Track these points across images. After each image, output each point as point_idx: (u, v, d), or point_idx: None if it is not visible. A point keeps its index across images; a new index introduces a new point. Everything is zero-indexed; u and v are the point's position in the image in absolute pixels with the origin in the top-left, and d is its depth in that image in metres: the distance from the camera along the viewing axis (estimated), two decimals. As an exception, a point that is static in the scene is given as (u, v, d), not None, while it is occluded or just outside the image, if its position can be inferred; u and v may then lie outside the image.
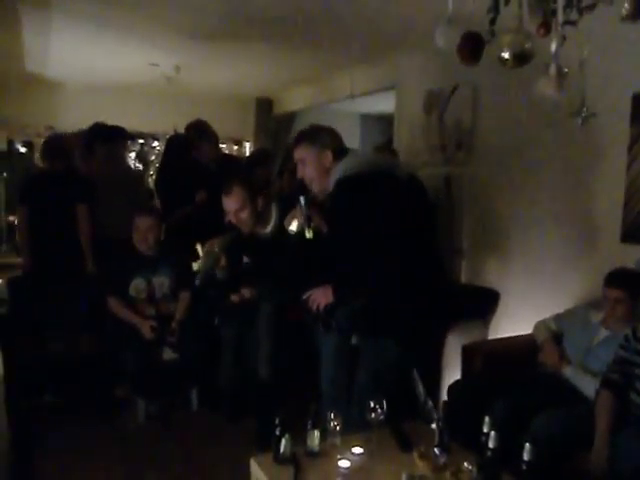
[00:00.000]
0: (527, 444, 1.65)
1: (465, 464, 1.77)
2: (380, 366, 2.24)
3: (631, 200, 2.58)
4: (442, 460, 1.86)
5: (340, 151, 2.20)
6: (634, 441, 1.91)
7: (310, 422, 1.96)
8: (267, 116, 6.49)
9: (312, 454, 1.95)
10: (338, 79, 5.02)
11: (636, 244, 2.55)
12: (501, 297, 3.28)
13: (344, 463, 1.87)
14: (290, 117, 6.43)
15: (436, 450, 1.88)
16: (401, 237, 2.08)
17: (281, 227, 2.55)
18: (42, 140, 4.08)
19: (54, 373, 3.20)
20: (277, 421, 1.93)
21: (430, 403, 1.97)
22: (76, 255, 3.54)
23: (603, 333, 2.35)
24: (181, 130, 5.35)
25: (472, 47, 1.47)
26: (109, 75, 5.10)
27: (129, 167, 4.36)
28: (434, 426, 1.89)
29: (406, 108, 4.24)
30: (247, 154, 6.29)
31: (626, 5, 1.23)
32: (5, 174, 5.44)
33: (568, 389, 2.32)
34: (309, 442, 1.96)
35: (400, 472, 1.80)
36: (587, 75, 1.47)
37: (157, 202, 4.22)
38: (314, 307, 2.21)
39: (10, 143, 5.46)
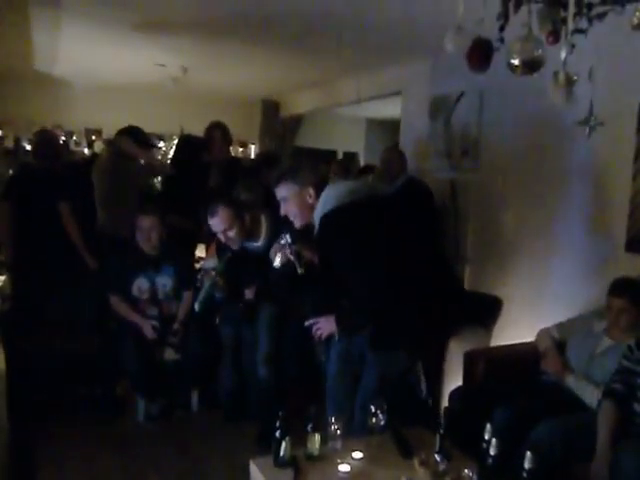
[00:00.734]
0: (528, 452, 1.65)
1: (465, 471, 1.76)
2: (390, 374, 2.25)
3: (636, 210, 2.57)
4: (442, 467, 1.86)
5: (322, 186, 2.21)
6: (636, 452, 1.90)
7: (310, 425, 1.95)
8: (273, 118, 6.50)
9: (312, 458, 1.95)
10: (345, 83, 5.03)
11: (641, 254, 2.54)
12: (504, 304, 3.27)
13: (344, 467, 1.86)
14: (296, 120, 6.45)
15: (437, 456, 1.87)
16: (393, 255, 2.09)
17: (274, 237, 2.57)
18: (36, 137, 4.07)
19: (55, 371, 3.20)
20: (277, 424, 1.92)
21: (430, 400, 1.98)
22: (62, 251, 3.57)
23: (606, 342, 2.34)
24: (187, 130, 5.39)
25: (481, 53, 1.47)
26: (116, 75, 5.12)
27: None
28: (440, 431, 1.89)
29: (412, 113, 4.24)
30: (252, 156, 6.30)
31: (638, 14, 1.23)
32: (11, 171, 5.45)
33: (570, 398, 2.31)
34: (309, 446, 1.95)
35: (400, 478, 1.79)
36: (595, 84, 1.47)
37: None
38: (317, 336, 2.25)
39: (17, 141, 5.48)
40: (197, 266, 3.64)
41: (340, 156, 7.45)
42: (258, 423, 2.93)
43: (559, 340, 2.54)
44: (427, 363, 2.72)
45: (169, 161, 4.98)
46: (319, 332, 2.23)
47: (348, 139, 7.49)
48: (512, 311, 3.22)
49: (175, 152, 4.44)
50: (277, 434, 1.91)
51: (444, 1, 1.68)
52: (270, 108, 6.52)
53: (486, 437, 1.79)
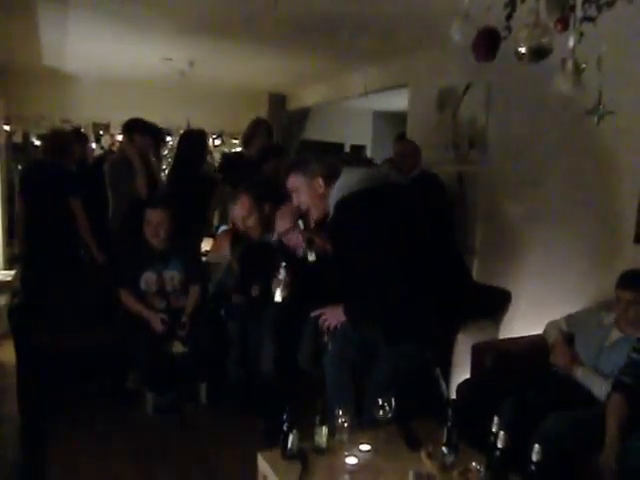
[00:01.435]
0: (536, 445, 1.64)
1: (473, 464, 1.76)
2: (401, 367, 2.24)
3: (646, 201, 2.54)
4: (450, 459, 1.86)
5: (331, 176, 2.21)
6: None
7: (318, 418, 1.96)
8: (280, 112, 6.49)
9: (319, 450, 1.95)
10: (351, 76, 5.01)
11: (651, 246, 2.51)
12: (513, 297, 3.25)
13: (351, 460, 1.86)
14: (303, 113, 6.44)
15: (444, 449, 1.87)
16: (406, 245, 2.07)
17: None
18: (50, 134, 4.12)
19: (65, 364, 3.22)
20: (285, 417, 1.93)
21: (451, 403, 1.97)
22: (72, 245, 3.61)
23: (615, 335, 2.32)
24: (194, 124, 5.40)
25: (488, 43, 1.45)
26: (124, 70, 5.13)
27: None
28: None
29: (419, 106, 4.21)
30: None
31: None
32: (20, 166, 5.50)
33: (578, 390, 2.30)
34: (317, 438, 1.96)
35: (407, 470, 1.79)
36: (604, 73, 1.45)
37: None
38: (325, 326, 2.26)
39: (25, 136, 5.52)
40: (204, 260, 3.66)
41: (347, 149, 7.43)
42: (263, 420, 2.93)
43: (568, 333, 2.52)
44: (436, 356, 2.70)
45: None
46: (327, 322, 2.23)
47: (355, 132, 7.46)
48: (520, 304, 3.20)
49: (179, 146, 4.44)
50: (285, 427, 1.92)
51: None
52: (277, 101, 6.51)
53: (494, 430, 1.78)
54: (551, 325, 2.61)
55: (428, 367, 2.50)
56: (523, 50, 1.32)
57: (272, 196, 2.91)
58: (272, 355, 2.94)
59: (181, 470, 2.65)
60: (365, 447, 1.95)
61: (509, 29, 1.43)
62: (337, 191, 2.14)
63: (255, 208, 2.83)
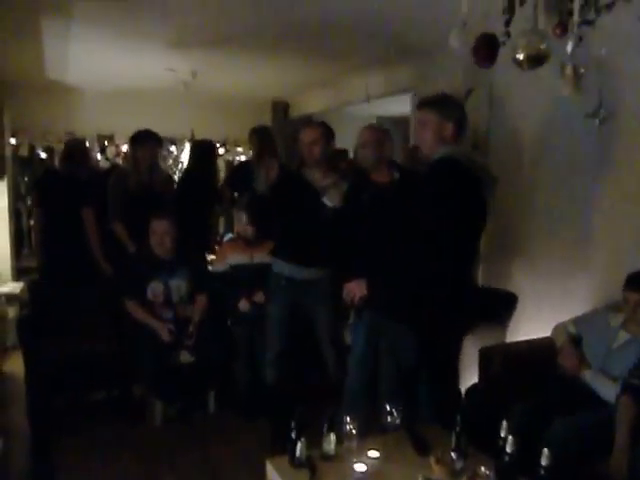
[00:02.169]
0: (545, 449, 1.63)
1: (482, 469, 1.75)
2: (405, 361, 2.26)
3: (652, 202, 2.53)
4: (459, 465, 1.85)
5: (462, 128, 2.23)
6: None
7: (326, 425, 1.96)
8: (283, 119, 6.51)
9: (328, 458, 1.95)
10: (354, 82, 5.02)
11: (657, 247, 2.50)
12: (519, 300, 3.24)
13: (360, 467, 1.86)
14: (307, 120, 6.45)
15: (453, 454, 1.87)
16: (461, 236, 2.12)
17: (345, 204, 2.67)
18: (63, 145, 4.18)
19: (73, 374, 3.24)
20: (293, 424, 1.93)
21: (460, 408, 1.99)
22: (87, 256, 3.64)
23: (623, 337, 2.31)
24: (198, 134, 5.44)
25: (487, 48, 1.46)
26: (127, 81, 5.17)
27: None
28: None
29: (421, 110, 4.21)
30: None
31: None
32: (26, 179, 5.54)
33: (587, 393, 2.28)
34: (325, 445, 1.96)
35: (416, 476, 1.79)
36: (605, 76, 1.45)
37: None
38: (349, 299, 2.29)
39: (31, 149, 5.56)
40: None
41: (351, 155, 7.44)
42: (272, 426, 2.94)
43: (575, 335, 2.51)
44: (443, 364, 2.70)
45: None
46: (350, 295, 2.26)
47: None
48: (527, 306, 3.19)
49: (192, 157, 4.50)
50: (293, 435, 1.92)
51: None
52: (280, 109, 6.53)
53: (502, 434, 1.78)
54: (558, 328, 2.60)
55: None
56: (521, 57, 1.33)
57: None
58: (276, 359, 2.97)
59: (189, 478, 2.65)
60: (374, 454, 1.95)
61: (508, 34, 1.44)
62: (450, 149, 2.14)
63: (323, 137, 2.85)
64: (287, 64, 4.55)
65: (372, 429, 2.15)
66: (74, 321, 3.43)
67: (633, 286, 2.26)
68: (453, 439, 1.89)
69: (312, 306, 2.97)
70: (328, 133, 2.89)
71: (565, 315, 2.65)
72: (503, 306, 3.27)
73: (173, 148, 5.93)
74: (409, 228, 2.13)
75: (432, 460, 1.89)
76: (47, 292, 3.57)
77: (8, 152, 5.07)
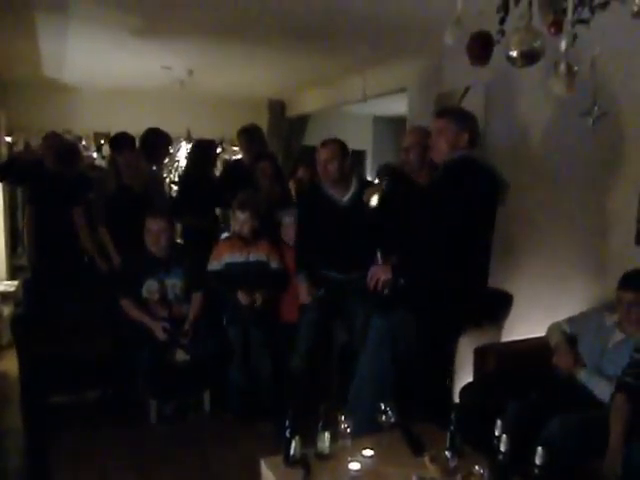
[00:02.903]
0: (539, 448, 1.63)
1: (476, 467, 1.75)
2: (400, 336, 2.31)
3: (646, 202, 2.53)
4: (453, 463, 1.85)
5: (474, 139, 2.34)
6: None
7: (320, 424, 1.96)
8: (280, 118, 6.51)
9: (322, 456, 1.95)
10: (351, 81, 5.02)
11: (652, 246, 2.50)
12: (514, 300, 3.24)
13: (354, 465, 1.86)
14: (303, 119, 6.45)
15: (447, 453, 1.87)
16: (481, 232, 2.24)
17: (356, 200, 2.77)
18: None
19: (68, 373, 3.23)
20: (287, 423, 1.93)
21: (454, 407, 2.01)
22: (79, 255, 3.64)
23: (618, 336, 2.31)
24: (195, 132, 5.43)
25: (481, 47, 1.46)
26: (123, 79, 5.16)
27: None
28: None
29: (418, 110, 4.22)
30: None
31: (637, 1, 1.21)
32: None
33: (582, 392, 2.29)
34: (319, 444, 1.95)
35: (411, 475, 1.79)
36: (601, 74, 1.45)
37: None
38: (372, 283, 2.29)
39: (27, 146, 5.54)
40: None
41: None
42: (274, 424, 2.91)
43: (570, 334, 2.52)
44: (438, 363, 2.72)
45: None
46: (375, 279, 2.27)
47: (355, 137, 7.44)
48: (522, 306, 3.19)
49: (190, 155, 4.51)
50: (287, 433, 1.92)
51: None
52: (276, 108, 6.53)
53: (497, 433, 1.78)
54: (553, 327, 2.61)
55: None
56: (514, 54, 1.33)
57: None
58: (304, 350, 3.01)
59: (184, 477, 2.65)
60: (368, 452, 1.95)
61: (502, 33, 1.44)
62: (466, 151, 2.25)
63: (340, 155, 2.87)
64: (284, 63, 4.55)
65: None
66: (69, 319, 3.42)
67: (627, 286, 2.27)
68: (447, 438, 1.89)
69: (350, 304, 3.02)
70: (343, 150, 2.91)
71: (560, 315, 2.65)
72: (499, 306, 3.28)
73: (170, 147, 5.90)
74: (436, 223, 2.21)
75: (426, 459, 1.89)
76: (42, 290, 3.56)
77: (4, 150, 5.06)
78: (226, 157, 6.53)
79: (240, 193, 3.34)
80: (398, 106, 5.08)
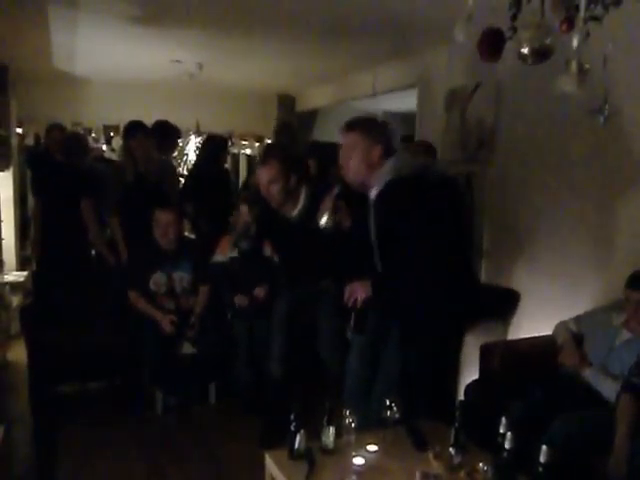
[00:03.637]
0: (544, 446, 1.63)
1: (480, 464, 1.75)
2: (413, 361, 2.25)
3: (657, 201, 2.51)
4: (457, 460, 1.85)
5: (390, 149, 2.15)
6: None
7: (325, 419, 1.96)
8: (289, 113, 6.50)
9: (327, 451, 1.96)
10: (360, 77, 5.00)
11: (661, 246, 2.49)
12: (522, 297, 3.23)
13: (359, 460, 1.87)
14: (312, 114, 6.44)
15: (451, 450, 1.87)
16: (437, 239, 2.09)
17: (308, 212, 2.60)
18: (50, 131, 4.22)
19: (76, 363, 3.26)
20: (292, 417, 1.94)
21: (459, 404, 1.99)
22: (85, 246, 3.67)
23: (625, 335, 2.30)
24: (204, 126, 5.44)
25: (492, 43, 1.44)
26: (133, 72, 5.17)
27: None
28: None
29: (428, 106, 4.20)
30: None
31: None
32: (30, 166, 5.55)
33: (587, 391, 2.28)
34: (324, 439, 1.96)
35: (415, 471, 1.79)
36: (613, 72, 1.44)
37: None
38: (351, 301, 2.18)
39: (37, 138, 5.57)
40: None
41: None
42: (264, 420, 2.94)
43: (577, 333, 2.51)
44: (440, 360, 2.71)
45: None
46: (354, 296, 2.16)
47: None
48: (529, 304, 3.18)
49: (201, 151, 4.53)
50: (292, 427, 1.92)
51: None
52: (286, 103, 6.52)
53: (501, 430, 1.78)
54: (560, 326, 2.60)
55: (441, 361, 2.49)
56: (526, 51, 1.31)
57: (300, 170, 2.85)
58: (280, 353, 2.94)
59: (189, 469, 2.68)
60: (372, 447, 1.95)
61: (514, 30, 1.43)
62: (390, 170, 2.09)
63: (282, 175, 2.66)
64: (294, 57, 4.54)
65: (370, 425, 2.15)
66: (77, 310, 3.45)
67: (635, 285, 2.26)
68: (452, 434, 1.90)
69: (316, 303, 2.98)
70: (286, 168, 2.68)
71: (567, 313, 2.64)
72: (505, 303, 3.27)
73: (179, 139, 5.91)
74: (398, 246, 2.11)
75: (430, 455, 1.90)
76: (50, 281, 3.59)
77: (14, 142, 5.09)
78: (235, 151, 6.55)
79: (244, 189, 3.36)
80: (408, 102, 5.06)
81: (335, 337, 2.93)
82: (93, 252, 4.06)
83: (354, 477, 1.76)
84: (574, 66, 1.29)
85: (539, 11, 1.32)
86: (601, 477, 1.95)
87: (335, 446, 1.96)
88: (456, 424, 1.90)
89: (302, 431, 1.92)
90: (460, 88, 3.73)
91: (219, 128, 5.03)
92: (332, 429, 1.96)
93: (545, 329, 2.74)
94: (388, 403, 2.05)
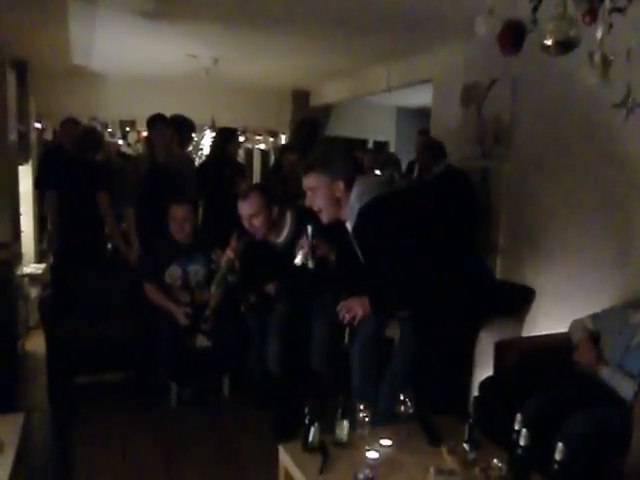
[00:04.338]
0: (559, 443, 1.62)
1: (495, 461, 1.75)
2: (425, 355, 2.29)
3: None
4: (471, 456, 1.85)
5: (351, 180, 2.19)
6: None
7: (339, 412, 1.97)
8: (304, 108, 6.50)
9: (340, 444, 1.96)
10: (375, 72, 4.99)
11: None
12: (537, 295, 3.21)
13: (372, 454, 1.87)
14: (326, 109, 6.43)
15: (465, 445, 1.87)
16: (429, 241, 2.13)
17: (295, 236, 2.60)
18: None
19: (93, 354, 3.30)
20: (306, 410, 1.95)
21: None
22: (102, 239, 3.70)
23: (643, 334, 2.27)
24: (218, 121, 5.46)
25: (513, 36, 1.43)
26: (149, 67, 5.20)
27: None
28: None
29: (443, 101, 4.18)
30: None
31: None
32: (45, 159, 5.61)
33: (603, 390, 2.25)
34: (338, 432, 1.97)
35: (428, 466, 1.79)
36: (634, 65, 1.42)
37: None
38: (349, 317, 2.20)
39: (55, 133, 5.63)
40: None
41: (371, 145, 7.41)
42: (273, 417, 2.96)
43: (593, 331, 2.48)
44: (456, 356, 2.72)
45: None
46: (351, 314, 2.19)
47: (379, 128, 7.43)
48: (545, 301, 3.16)
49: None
50: (306, 420, 1.93)
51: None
52: (300, 98, 6.52)
53: (516, 427, 1.77)
54: (576, 323, 2.57)
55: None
56: (549, 43, 1.29)
57: (281, 199, 2.88)
58: (277, 353, 2.95)
59: (203, 461, 2.70)
60: (386, 442, 1.96)
61: (535, 22, 1.41)
62: (358, 198, 2.15)
63: (264, 208, 2.72)
64: (309, 52, 4.54)
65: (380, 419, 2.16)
66: (94, 302, 3.50)
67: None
68: (466, 430, 1.89)
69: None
70: (266, 199, 2.72)
71: (583, 311, 2.62)
72: (520, 300, 3.25)
73: (193, 134, 5.94)
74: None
75: (444, 450, 1.90)
76: (68, 273, 3.64)
77: (33, 136, 5.15)
78: (249, 146, 6.57)
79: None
80: (422, 97, 5.03)
81: (328, 351, 2.96)
82: (109, 245, 4.12)
83: (367, 471, 1.76)
84: (598, 58, 1.27)
85: (561, 3, 1.31)
86: (617, 476, 1.93)
87: (349, 440, 1.97)
88: (470, 420, 1.90)
89: (316, 424, 1.93)
90: (476, 83, 3.71)
91: (234, 123, 5.03)
92: (346, 423, 1.97)
93: (560, 327, 2.71)
94: (402, 398, 2.05)
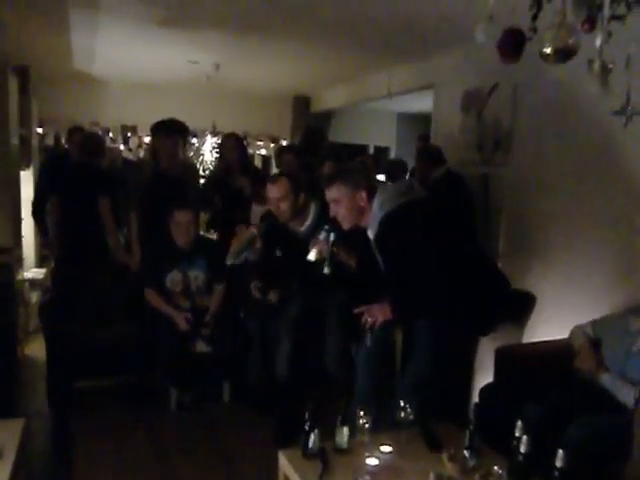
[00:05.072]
0: (560, 450, 1.62)
1: (495, 468, 1.74)
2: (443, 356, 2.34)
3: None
4: (472, 463, 1.85)
5: (373, 190, 2.27)
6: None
7: (339, 418, 1.97)
8: (304, 114, 6.52)
9: (340, 450, 1.96)
10: (376, 78, 5.00)
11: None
12: (537, 301, 3.20)
13: (372, 461, 1.87)
14: (327, 115, 6.46)
15: (466, 452, 1.86)
16: (447, 247, 2.19)
17: (317, 228, 2.63)
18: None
19: (92, 359, 3.30)
20: (306, 416, 1.94)
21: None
22: (102, 244, 3.71)
23: (644, 340, 2.27)
24: (220, 127, 5.48)
25: (513, 43, 1.44)
26: (151, 73, 5.23)
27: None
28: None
29: (444, 107, 4.19)
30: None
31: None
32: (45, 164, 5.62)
33: (604, 396, 2.25)
34: (338, 438, 1.97)
35: (428, 472, 1.79)
36: (633, 72, 1.42)
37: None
38: (370, 323, 2.26)
39: (57, 138, 5.66)
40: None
41: (371, 151, 7.43)
42: (276, 420, 2.95)
43: (594, 337, 2.47)
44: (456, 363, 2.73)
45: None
46: (372, 319, 2.25)
47: (380, 134, 7.46)
48: (545, 307, 3.15)
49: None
50: (306, 426, 1.93)
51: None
52: (301, 104, 6.55)
53: (517, 434, 1.77)
54: (577, 330, 2.57)
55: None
56: (548, 51, 1.30)
57: (309, 187, 2.92)
58: (287, 354, 2.95)
59: (202, 466, 2.69)
60: (386, 448, 1.95)
61: (534, 30, 1.42)
62: (380, 207, 2.22)
63: (291, 193, 2.75)
64: (310, 58, 4.56)
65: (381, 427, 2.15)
66: (94, 307, 3.50)
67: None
68: (466, 437, 1.89)
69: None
70: (295, 185, 2.77)
71: (583, 318, 2.61)
72: (521, 306, 3.24)
73: (195, 140, 5.98)
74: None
75: (445, 457, 1.89)
76: (69, 278, 3.64)
77: (35, 141, 5.17)
78: (250, 152, 6.58)
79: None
80: (422, 103, 5.05)
81: (342, 352, 2.98)
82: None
83: (367, 477, 1.76)
84: (597, 66, 1.28)
85: (560, 11, 1.31)
86: (618, 483, 1.93)
87: (349, 446, 1.97)
88: (471, 426, 1.90)
89: (316, 430, 1.92)
90: (477, 89, 3.72)
91: (235, 128, 5.05)
92: (346, 429, 1.96)
93: (561, 333, 2.71)
94: (402, 404, 2.04)
